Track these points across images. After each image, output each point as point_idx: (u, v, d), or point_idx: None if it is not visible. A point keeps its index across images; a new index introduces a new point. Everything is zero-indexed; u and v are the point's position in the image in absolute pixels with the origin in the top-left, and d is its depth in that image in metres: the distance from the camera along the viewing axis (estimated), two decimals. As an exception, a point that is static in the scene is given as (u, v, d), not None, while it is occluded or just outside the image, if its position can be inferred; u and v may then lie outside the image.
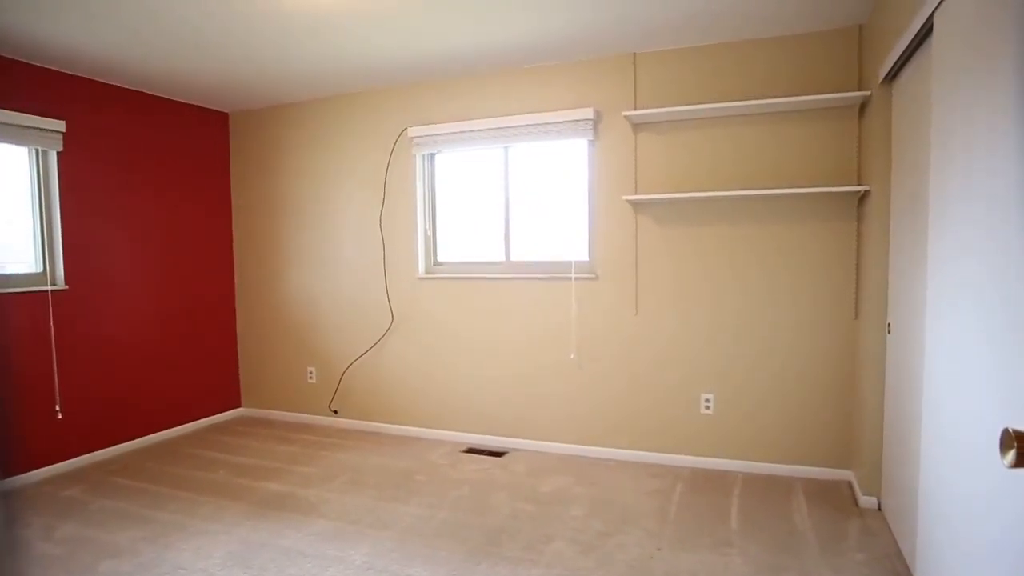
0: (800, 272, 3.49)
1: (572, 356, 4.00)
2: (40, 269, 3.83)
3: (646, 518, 3.05)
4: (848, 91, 3.25)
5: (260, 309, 5.06)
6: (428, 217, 4.47)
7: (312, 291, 4.83)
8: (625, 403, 3.90)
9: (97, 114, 4.04)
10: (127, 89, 4.24)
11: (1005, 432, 0.91)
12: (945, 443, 1.82)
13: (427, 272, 4.45)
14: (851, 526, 2.91)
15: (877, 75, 2.90)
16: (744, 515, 3.07)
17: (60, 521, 3.13)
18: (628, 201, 3.73)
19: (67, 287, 3.88)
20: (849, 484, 3.39)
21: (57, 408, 3.82)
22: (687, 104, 3.58)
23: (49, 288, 3.78)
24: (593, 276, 3.93)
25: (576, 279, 3.96)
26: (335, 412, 4.78)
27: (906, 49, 2.38)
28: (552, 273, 4.05)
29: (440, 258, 4.49)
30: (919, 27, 2.13)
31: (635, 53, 3.72)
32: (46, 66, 3.74)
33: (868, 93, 3.09)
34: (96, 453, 4.06)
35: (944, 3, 1.88)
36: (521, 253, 4.23)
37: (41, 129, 3.70)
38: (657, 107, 3.65)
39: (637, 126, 3.75)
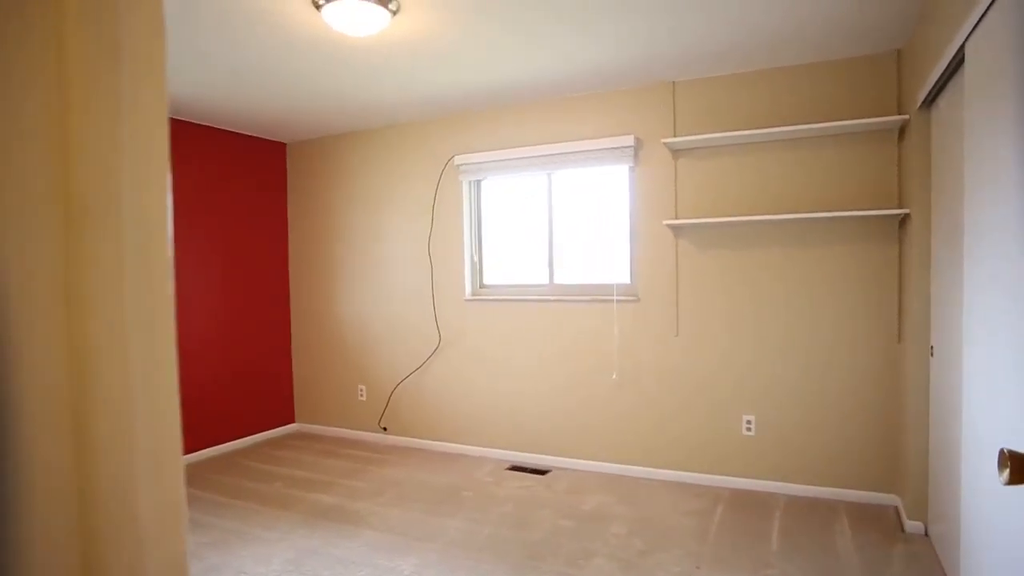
0: (842, 294, 3.49)
1: (614, 376, 4.07)
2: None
3: (686, 537, 3.09)
4: (887, 115, 3.27)
5: (314, 330, 5.30)
6: (474, 241, 4.63)
7: (363, 313, 5.04)
8: (666, 423, 3.94)
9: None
10: (196, 124, 4.56)
11: (1000, 452, 0.97)
12: (983, 469, 1.83)
13: (473, 294, 4.60)
14: (896, 552, 2.88)
15: (915, 99, 2.92)
16: (785, 537, 3.07)
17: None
18: (668, 225, 3.81)
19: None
20: (895, 509, 3.35)
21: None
22: (725, 131, 3.65)
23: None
24: (635, 298, 4.00)
25: (618, 301, 4.04)
26: (384, 429, 4.95)
27: (940, 76, 2.42)
28: (594, 295, 4.14)
29: (486, 281, 4.63)
30: (951, 56, 2.18)
31: (674, 82, 3.83)
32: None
33: (906, 117, 3.11)
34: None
35: (974, 34, 1.93)
36: (564, 276, 4.34)
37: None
38: (696, 134, 3.73)
39: (676, 152, 3.84)
